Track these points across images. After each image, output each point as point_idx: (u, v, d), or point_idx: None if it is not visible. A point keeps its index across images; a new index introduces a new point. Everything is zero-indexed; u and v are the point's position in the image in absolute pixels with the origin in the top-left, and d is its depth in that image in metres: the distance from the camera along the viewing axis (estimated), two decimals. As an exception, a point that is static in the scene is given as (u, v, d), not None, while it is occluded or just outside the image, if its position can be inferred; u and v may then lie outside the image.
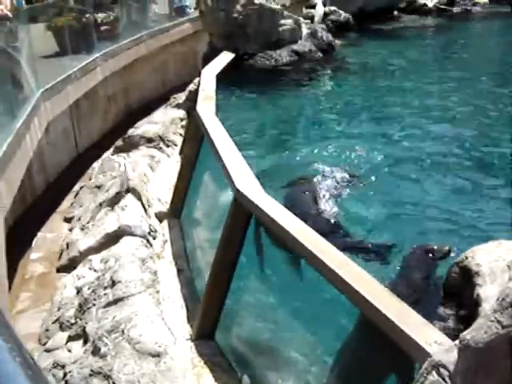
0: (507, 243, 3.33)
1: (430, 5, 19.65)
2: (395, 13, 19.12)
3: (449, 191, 6.74)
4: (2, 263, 5.60)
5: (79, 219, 8.09)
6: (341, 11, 16.58)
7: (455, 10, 19.47)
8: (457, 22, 18.48)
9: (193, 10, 17.52)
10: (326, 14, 16.26)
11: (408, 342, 2.74)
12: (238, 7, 12.26)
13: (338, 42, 14.39)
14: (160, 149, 9.44)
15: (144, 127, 10.14)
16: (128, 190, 7.51)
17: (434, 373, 2.42)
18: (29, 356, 0.98)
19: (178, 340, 4.68)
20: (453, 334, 2.81)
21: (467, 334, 2.23)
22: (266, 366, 4.43)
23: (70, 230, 8.08)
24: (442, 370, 2.39)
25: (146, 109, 13.20)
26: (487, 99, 10.43)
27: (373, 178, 7.05)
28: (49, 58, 11.91)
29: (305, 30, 13.59)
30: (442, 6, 19.54)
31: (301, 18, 14.15)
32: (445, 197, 6.58)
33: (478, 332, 2.16)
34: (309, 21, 14.99)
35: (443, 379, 2.38)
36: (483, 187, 6.83)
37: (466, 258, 3.32)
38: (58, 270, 7.15)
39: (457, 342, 2.37)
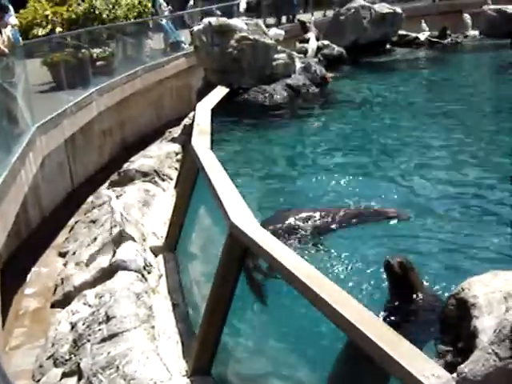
0: (504, 274, 3.32)
1: (422, 38, 19.89)
2: (388, 46, 19.31)
3: (444, 222, 6.73)
4: (-5, 299, 5.56)
5: (74, 254, 8.05)
6: (334, 45, 16.75)
7: (446, 42, 19.73)
8: (448, 54, 18.71)
9: (187, 46, 17.68)
10: (319, 48, 16.41)
11: (405, 375, 2.72)
12: (233, 42, 12.38)
13: (331, 75, 14.50)
14: (155, 183, 9.44)
15: (139, 161, 10.16)
16: (122, 229, 7.49)
17: (432, 407, 2.40)
18: None
19: (174, 376, 4.64)
20: (450, 367, 2.79)
21: (465, 367, 2.22)
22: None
23: (65, 264, 8.04)
24: (440, 403, 2.37)
25: (142, 143, 13.25)
26: (480, 129, 10.52)
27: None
28: (44, 93, 11.99)
29: (298, 64, 13.71)
30: (434, 39, 19.78)
31: (294, 53, 14.30)
32: (440, 228, 6.57)
33: (475, 364, 2.15)
34: (302, 55, 15.13)
35: (441, 413, 2.36)
36: (480, 218, 6.83)
37: (463, 289, 3.31)
38: (53, 306, 7.10)
39: (454, 374, 2.36)
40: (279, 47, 13.31)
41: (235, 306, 4.54)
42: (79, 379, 5.08)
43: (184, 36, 18.62)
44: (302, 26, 18.15)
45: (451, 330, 3.33)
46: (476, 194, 7.50)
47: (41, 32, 15.23)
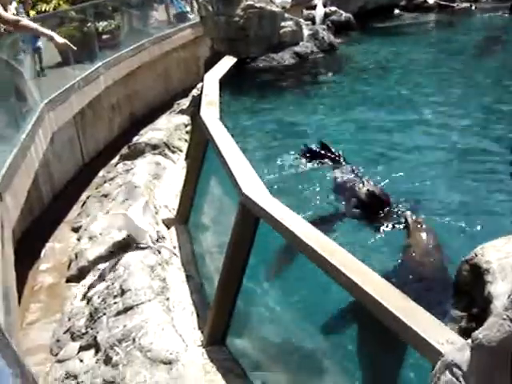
0: (517, 239, 3.30)
1: (431, 2, 19.59)
2: (396, 11, 19.07)
3: (458, 184, 6.70)
4: (11, 275, 5.60)
5: (87, 229, 8.09)
6: (341, 11, 16.55)
7: (456, 5, 19.40)
8: (458, 18, 18.43)
9: (193, 16, 17.52)
10: (326, 15, 16.22)
11: (419, 342, 2.72)
12: (239, 11, 12.25)
13: (339, 41, 14.37)
14: (165, 155, 9.44)
15: (149, 134, 10.15)
16: (135, 198, 7.52)
17: (447, 372, 2.40)
18: (34, 381, 0.97)
19: (190, 346, 4.68)
20: (464, 333, 2.79)
21: (479, 333, 2.21)
22: (278, 369, 4.42)
23: (78, 239, 8.08)
24: (455, 369, 2.37)
25: (150, 115, 13.22)
26: (490, 94, 10.40)
27: (380, 172, 7.07)
28: (51, 69, 11.93)
29: (306, 32, 13.57)
30: (443, 3, 19.48)
31: (301, 20, 14.14)
32: (452, 190, 6.54)
33: (490, 330, 2.14)
34: (309, 22, 14.96)
35: (457, 379, 2.35)
36: (494, 182, 6.81)
37: (476, 255, 3.29)
38: (68, 280, 7.16)
39: (469, 340, 2.35)
40: (286, 15, 13.16)
41: (248, 276, 4.56)
42: (96, 352, 5.14)
43: (189, 6, 18.45)
44: None
45: (465, 295, 3.32)
46: (490, 156, 7.47)
47: (45, 7, 15.14)
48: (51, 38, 7.95)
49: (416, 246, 5.28)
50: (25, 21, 7.63)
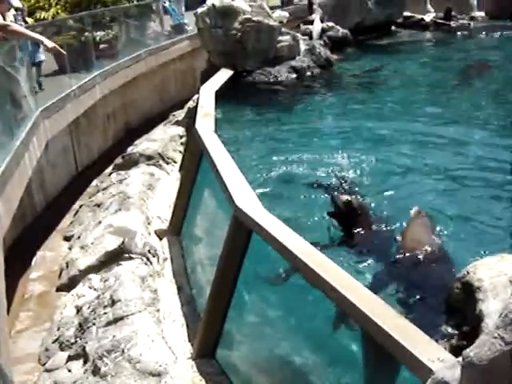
0: (509, 257, 3.30)
1: (428, 19, 19.72)
2: (393, 28, 19.18)
3: (450, 201, 6.71)
4: (1, 283, 5.57)
5: (79, 238, 8.06)
6: (338, 27, 16.62)
7: (453, 23, 19.52)
8: (454, 37, 18.54)
9: (191, 28, 17.58)
10: (323, 30, 16.29)
11: (410, 359, 2.71)
12: (236, 24, 12.30)
13: (336, 57, 14.44)
14: (159, 166, 9.44)
15: (143, 145, 10.15)
16: (128, 208, 7.51)
17: (437, 390, 2.39)
18: None
19: (179, 359, 4.65)
20: (455, 351, 2.78)
21: (470, 351, 2.20)
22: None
23: (70, 248, 8.05)
24: (445, 387, 2.36)
25: (146, 126, 13.23)
26: (485, 109, 10.46)
27: (372, 191, 7.06)
28: (47, 77, 11.93)
29: (303, 46, 13.64)
30: (440, 21, 19.60)
31: (298, 35, 14.21)
32: (446, 207, 6.54)
33: (481, 349, 2.13)
34: (307, 37, 15.03)
35: (447, 397, 2.35)
36: (490, 196, 6.83)
37: (468, 273, 3.29)
38: (58, 289, 7.11)
39: (460, 358, 2.34)
40: (283, 29, 13.24)
41: (240, 290, 4.54)
42: (85, 362, 5.11)
43: (187, 18, 18.52)
44: (309, 6, 18.00)
45: (456, 313, 3.32)
46: (487, 171, 7.50)
47: (44, 15, 15.16)
48: (41, 42, 7.99)
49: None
50: (14, 26, 7.67)
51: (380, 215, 6.29)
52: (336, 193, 6.02)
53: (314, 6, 17.91)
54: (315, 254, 3.69)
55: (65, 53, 7.43)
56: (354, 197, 6.03)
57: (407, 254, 5.39)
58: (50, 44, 8.37)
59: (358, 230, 5.82)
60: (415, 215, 5.88)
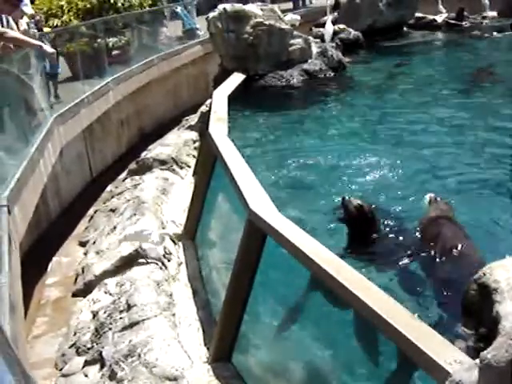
0: (526, 258, 3.28)
1: (440, 20, 19.62)
2: (405, 29, 19.10)
3: (465, 202, 6.67)
4: (17, 288, 5.60)
5: (94, 243, 8.10)
6: (350, 29, 16.60)
7: (465, 24, 19.41)
8: (467, 37, 18.43)
9: (203, 33, 17.63)
10: (335, 33, 16.26)
11: (427, 361, 2.70)
12: (248, 28, 12.31)
13: (348, 59, 14.40)
14: (173, 171, 9.47)
15: (157, 150, 10.19)
16: (142, 213, 7.54)
17: (454, 393, 2.39)
18: None
19: (195, 363, 4.66)
20: (472, 353, 2.76)
21: (488, 353, 2.20)
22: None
23: (85, 254, 8.10)
24: (462, 389, 2.35)
25: (159, 131, 13.28)
26: (500, 110, 10.39)
27: (383, 197, 7.03)
28: (61, 83, 12.01)
29: (315, 49, 13.61)
30: (452, 21, 19.49)
31: (310, 37, 14.19)
32: (460, 208, 6.51)
33: (498, 351, 2.13)
34: (318, 40, 15.01)
35: (464, 399, 2.34)
36: (498, 199, 6.79)
37: (484, 274, 3.27)
38: (74, 295, 7.15)
39: (477, 361, 2.34)
40: (295, 32, 13.22)
41: (255, 294, 4.54)
42: (101, 367, 5.13)
43: (199, 23, 18.57)
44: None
45: (473, 315, 3.30)
46: (503, 174, 7.45)
47: (56, 22, 15.25)
48: (40, 48, 8.07)
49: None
50: (10, 33, 7.73)
51: (391, 220, 6.27)
52: (347, 197, 5.99)
53: (328, 9, 17.85)
54: (330, 258, 3.69)
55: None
56: (364, 202, 6.00)
57: (426, 248, 5.40)
58: (50, 50, 8.47)
59: (368, 234, 5.80)
60: (433, 204, 5.94)
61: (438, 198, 6.11)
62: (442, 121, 10.07)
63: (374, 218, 5.85)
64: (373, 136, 9.62)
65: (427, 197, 6.19)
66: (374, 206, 6.06)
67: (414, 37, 18.74)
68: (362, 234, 5.76)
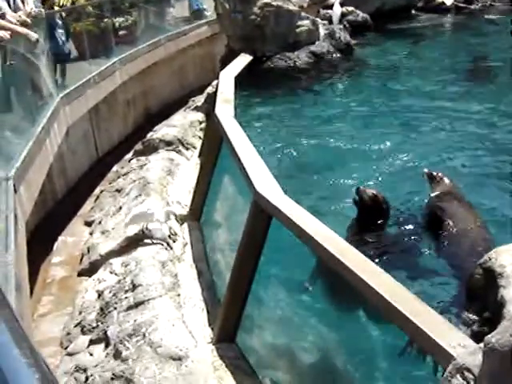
0: (532, 243, 3.27)
1: (448, 3, 19.46)
2: (413, 12, 18.98)
3: (471, 188, 6.65)
4: (23, 267, 5.63)
5: (100, 223, 8.12)
6: (358, 11, 16.50)
7: (474, 7, 19.26)
8: (475, 20, 18.29)
9: (210, 13, 17.52)
10: (343, 15, 16.17)
11: (431, 345, 2.71)
12: (255, 9, 12.24)
13: (355, 41, 14.32)
14: (179, 152, 9.45)
15: (163, 130, 10.17)
16: (148, 194, 7.55)
17: (458, 376, 2.39)
18: (49, 372, 0.97)
19: (199, 343, 4.68)
20: (476, 337, 2.77)
21: (492, 337, 2.20)
22: (287, 369, 4.42)
23: (91, 233, 8.12)
24: (466, 373, 2.36)
25: (165, 112, 13.24)
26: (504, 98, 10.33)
27: (388, 181, 7.02)
28: (67, 63, 11.97)
29: (322, 31, 13.53)
30: (461, 4, 19.35)
31: (318, 19, 14.11)
32: (470, 193, 6.49)
33: (503, 335, 2.13)
34: (326, 21, 14.92)
35: (468, 383, 2.34)
36: (507, 185, 6.76)
37: (490, 259, 3.27)
38: (79, 274, 7.18)
39: (481, 344, 2.34)
40: (303, 13, 13.14)
41: (260, 275, 4.55)
42: (106, 346, 5.16)
43: (206, 3, 18.45)
44: None
45: (477, 299, 3.30)
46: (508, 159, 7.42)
47: (63, 2, 15.16)
48: (26, 34, 8.16)
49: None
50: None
51: (398, 205, 6.26)
52: (361, 186, 5.94)
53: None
54: (335, 240, 3.69)
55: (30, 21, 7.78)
56: (378, 191, 5.97)
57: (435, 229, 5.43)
58: (34, 37, 8.51)
59: (379, 223, 5.78)
60: (435, 181, 6.08)
61: (437, 173, 6.18)
62: (448, 104, 10.04)
63: (388, 208, 5.82)
64: (379, 119, 9.59)
65: (424, 173, 6.29)
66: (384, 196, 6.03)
67: (423, 20, 18.62)
68: (373, 223, 5.75)
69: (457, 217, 5.49)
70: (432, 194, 6.01)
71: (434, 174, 6.21)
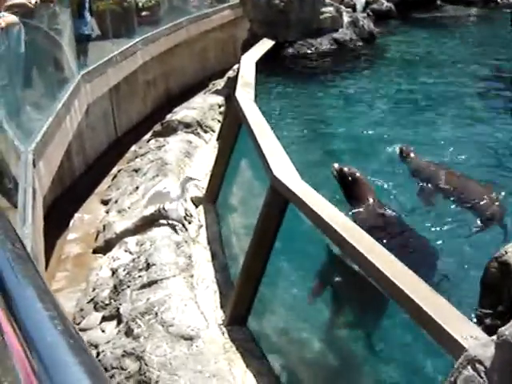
0: (548, 238, 3.26)
1: (475, -5, 19.23)
2: (438, 2, 18.75)
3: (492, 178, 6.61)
4: (39, 242, 5.68)
5: (116, 202, 8.16)
6: (383, 0, 16.36)
7: (500, 0, 18.98)
8: (501, 13, 18.04)
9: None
10: (367, 3, 16.03)
11: (444, 336, 2.70)
12: (279, -6, 12.17)
13: (379, 30, 14.21)
14: (198, 134, 9.46)
15: (182, 112, 10.17)
16: (165, 174, 7.57)
17: (469, 368, 2.39)
18: (71, 325, 0.98)
19: (211, 324, 4.70)
20: (489, 330, 2.76)
21: (505, 330, 2.19)
22: (296, 354, 4.43)
23: (107, 212, 8.16)
24: (477, 365, 2.35)
25: (185, 94, 13.24)
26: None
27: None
28: (90, 42, 12.00)
29: (346, 19, 13.42)
30: (487, -3, 19.09)
31: (342, 6, 14.00)
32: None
33: (517, 328, 2.12)
34: (350, 9, 14.80)
35: (479, 374, 2.34)
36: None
37: (506, 252, 3.26)
38: (94, 251, 7.23)
39: (494, 337, 2.33)
40: (327, 0, 13.04)
41: (273, 260, 4.56)
42: (118, 324, 5.20)
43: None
44: None
45: (492, 292, 3.29)
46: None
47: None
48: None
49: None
50: None
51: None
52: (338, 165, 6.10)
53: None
54: (351, 226, 3.68)
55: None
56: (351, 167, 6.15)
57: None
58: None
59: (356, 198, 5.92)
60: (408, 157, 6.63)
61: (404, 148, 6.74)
62: (469, 97, 9.94)
63: (358, 183, 5.90)
64: (398, 107, 9.53)
65: (397, 148, 6.84)
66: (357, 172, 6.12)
67: (448, 10, 18.39)
68: (349, 197, 5.96)
69: None
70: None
71: (404, 149, 6.80)
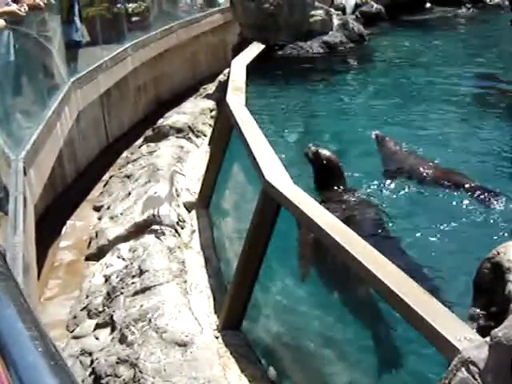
0: (541, 238, 3.26)
1: (464, -3, 19.32)
2: (428, 4, 18.82)
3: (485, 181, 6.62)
4: (31, 250, 5.65)
5: (108, 208, 8.14)
6: (372, 2, 16.41)
7: (489, 1, 19.07)
8: (490, 13, 18.13)
9: (223, 1, 17.48)
10: (357, 5, 16.08)
11: (436, 337, 2.70)
12: (269, -2, 12.20)
13: (369, 32, 14.25)
14: (189, 139, 9.45)
15: (173, 117, 10.17)
16: (157, 180, 7.55)
17: (463, 369, 2.38)
18: (52, 345, 0.97)
19: (205, 330, 4.69)
20: (482, 331, 2.76)
21: (499, 331, 2.19)
22: (292, 358, 4.42)
23: (99, 218, 8.14)
24: (471, 366, 2.35)
25: (176, 99, 13.23)
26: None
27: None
28: (80, 48, 11.97)
29: (336, 21, 13.47)
30: (476, -2, 19.17)
31: (332, 9, 14.04)
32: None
33: (510, 329, 2.12)
34: (340, 12, 14.84)
35: (473, 376, 2.34)
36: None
37: (498, 253, 3.25)
38: (87, 258, 7.21)
39: (488, 338, 2.33)
40: (316, 3, 13.08)
41: (267, 264, 4.56)
42: (112, 331, 5.18)
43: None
44: None
45: (485, 293, 3.29)
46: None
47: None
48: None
49: None
50: None
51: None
52: (314, 147, 6.23)
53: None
54: (343, 229, 3.68)
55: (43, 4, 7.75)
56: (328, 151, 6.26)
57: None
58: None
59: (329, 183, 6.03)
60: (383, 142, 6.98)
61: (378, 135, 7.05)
62: (460, 97, 9.97)
63: (333, 168, 5.99)
64: (389, 109, 9.55)
65: (373, 135, 7.15)
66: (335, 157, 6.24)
67: (437, 12, 18.47)
68: (320, 181, 6.08)
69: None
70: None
71: (379, 135, 7.12)
